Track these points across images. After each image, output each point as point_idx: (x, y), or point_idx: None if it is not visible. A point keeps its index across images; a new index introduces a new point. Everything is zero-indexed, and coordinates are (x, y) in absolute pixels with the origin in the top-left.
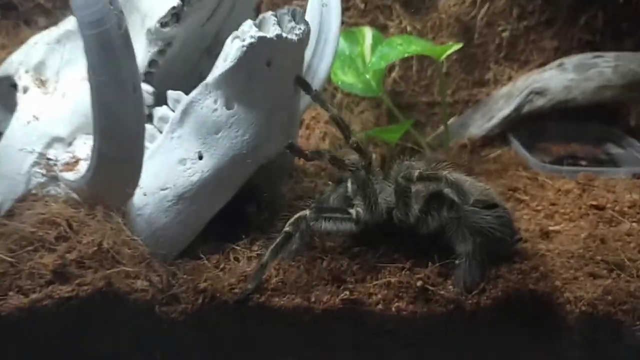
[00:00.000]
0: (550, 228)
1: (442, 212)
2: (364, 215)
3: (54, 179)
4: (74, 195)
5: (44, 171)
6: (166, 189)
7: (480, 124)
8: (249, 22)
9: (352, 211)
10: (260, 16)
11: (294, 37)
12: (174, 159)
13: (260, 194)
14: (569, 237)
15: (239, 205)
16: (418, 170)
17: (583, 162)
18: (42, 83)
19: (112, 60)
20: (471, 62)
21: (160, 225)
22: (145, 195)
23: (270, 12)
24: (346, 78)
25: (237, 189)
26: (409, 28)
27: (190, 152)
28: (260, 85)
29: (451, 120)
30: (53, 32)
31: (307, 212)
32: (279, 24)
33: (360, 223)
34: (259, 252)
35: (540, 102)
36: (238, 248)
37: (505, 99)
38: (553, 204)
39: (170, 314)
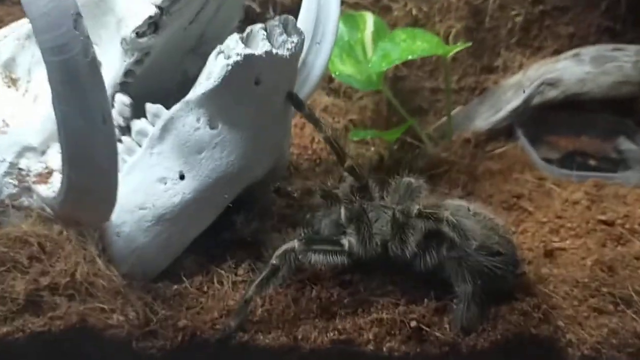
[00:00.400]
0: (555, 245)
1: (441, 251)
2: (357, 248)
3: (27, 190)
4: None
5: (15, 182)
6: (145, 208)
7: (486, 117)
8: (235, 36)
9: (345, 241)
10: (248, 29)
11: (285, 53)
12: (154, 176)
13: (249, 202)
14: (575, 259)
15: (225, 214)
16: (417, 207)
17: (592, 162)
18: (12, 82)
19: (78, 90)
20: (480, 46)
21: (139, 244)
22: (122, 212)
23: (259, 25)
24: (345, 68)
25: (222, 210)
26: (414, 11)
27: (171, 170)
28: (247, 104)
29: (455, 110)
30: (24, 26)
31: (295, 243)
32: (269, 37)
33: (352, 255)
34: (244, 278)
35: (552, 93)
36: (222, 272)
37: (515, 89)
38: (559, 217)
39: (148, 349)
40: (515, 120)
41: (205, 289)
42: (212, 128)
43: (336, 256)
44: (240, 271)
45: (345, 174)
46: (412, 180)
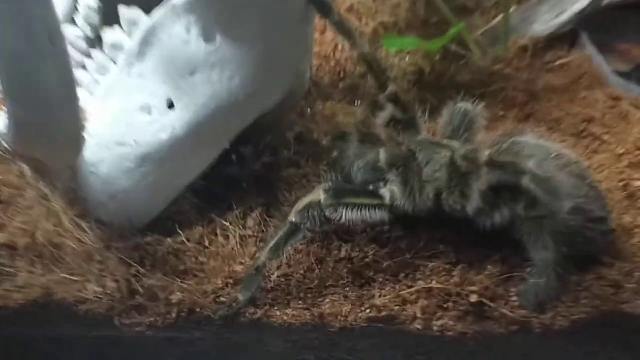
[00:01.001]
0: (637, 184)
1: (517, 208)
2: (402, 201)
3: None
4: None
5: None
6: (125, 144)
7: (547, 19)
8: None
9: (386, 193)
10: None
11: None
12: (135, 104)
13: (260, 129)
14: None
15: (231, 146)
16: (488, 153)
17: None
18: None
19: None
20: None
21: (120, 189)
22: (99, 147)
23: None
24: None
25: (225, 147)
26: None
27: (156, 97)
28: (252, 9)
29: (510, 10)
30: None
31: (321, 195)
32: None
33: (395, 210)
34: (254, 231)
35: None
36: (228, 224)
37: None
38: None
39: (134, 327)
40: (581, 25)
41: (206, 244)
42: (207, 41)
43: (374, 211)
44: (250, 222)
45: (385, 101)
46: (469, 107)
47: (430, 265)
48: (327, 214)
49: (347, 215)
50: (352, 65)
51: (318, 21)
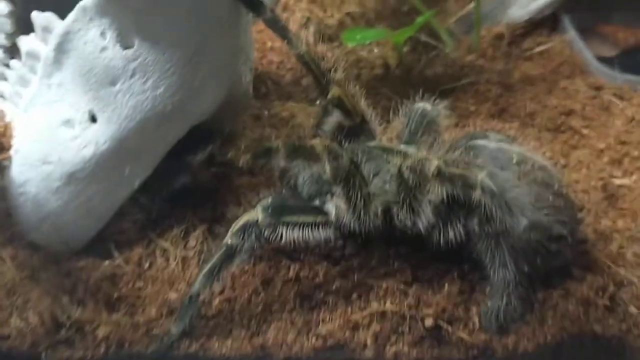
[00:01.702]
0: (617, 182)
1: (471, 223)
2: (348, 218)
3: None
4: None
5: None
6: (50, 162)
7: (524, 3)
8: None
9: (330, 207)
10: None
11: None
12: (57, 117)
13: (208, 132)
14: None
15: (175, 151)
16: (436, 164)
17: None
18: None
19: None
20: None
21: (50, 209)
22: (25, 166)
23: None
24: None
25: (159, 159)
26: None
27: (77, 109)
28: (172, 9)
29: None
30: None
31: (259, 213)
32: None
33: (341, 227)
34: (197, 250)
35: None
36: (168, 243)
37: None
38: (622, 142)
39: None
40: (562, 7)
41: (145, 266)
42: (124, 47)
43: (318, 230)
44: (192, 241)
45: (329, 107)
46: (428, 106)
47: (384, 284)
48: (266, 234)
49: (288, 234)
50: None
51: (280, 14)
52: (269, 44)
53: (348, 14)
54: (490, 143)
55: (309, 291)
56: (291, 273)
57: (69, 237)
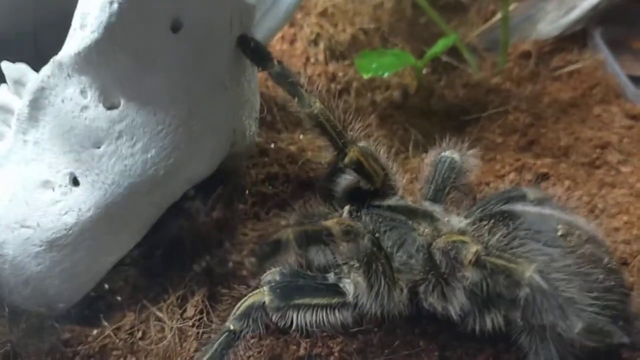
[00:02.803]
0: None
1: (513, 314)
2: (367, 299)
3: None
4: None
5: None
6: (29, 227)
7: (553, 18)
8: None
9: (347, 285)
10: None
11: None
12: (34, 178)
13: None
14: None
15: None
16: (474, 250)
17: None
18: None
19: None
20: None
21: (32, 274)
22: (1, 227)
23: None
24: None
25: (152, 224)
26: None
27: (56, 171)
28: (163, 65)
29: (510, 7)
30: None
31: (265, 295)
32: None
33: (361, 308)
34: (195, 320)
35: None
36: (162, 312)
37: None
38: None
39: None
40: (594, 22)
41: (138, 336)
42: (109, 107)
43: (334, 313)
44: (190, 309)
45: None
46: (456, 156)
47: None
48: (274, 319)
49: (299, 319)
50: (326, 82)
51: (287, 29)
52: None
53: (361, 28)
54: (529, 208)
55: None
56: (302, 351)
57: (53, 301)
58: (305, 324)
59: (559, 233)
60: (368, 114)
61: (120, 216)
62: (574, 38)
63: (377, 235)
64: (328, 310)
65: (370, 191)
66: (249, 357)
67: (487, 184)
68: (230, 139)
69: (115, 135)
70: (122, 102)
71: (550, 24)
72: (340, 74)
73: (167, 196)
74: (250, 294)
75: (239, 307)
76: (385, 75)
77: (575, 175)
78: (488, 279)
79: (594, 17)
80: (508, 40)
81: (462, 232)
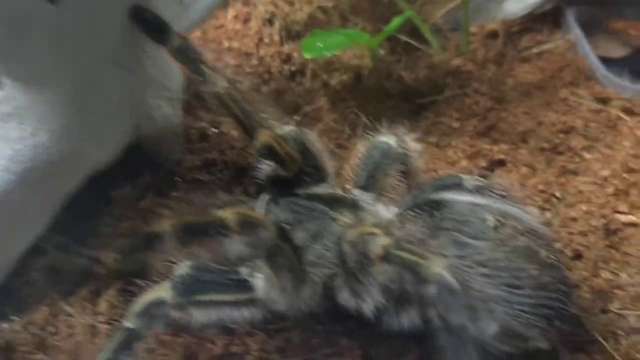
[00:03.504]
0: (622, 219)
1: (428, 312)
2: (276, 296)
3: None
4: None
5: None
6: None
7: None
8: None
9: (258, 281)
10: None
11: None
12: None
13: (138, 162)
14: None
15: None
16: (382, 243)
17: None
18: None
19: None
20: None
21: None
22: None
23: None
24: None
25: (56, 210)
26: None
27: None
28: (42, 40)
29: None
30: None
31: (167, 291)
32: None
33: (270, 305)
34: (108, 317)
35: None
36: (72, 307)
37: None
38: (630, 170)
39: None
40: (566, 1)
41: (50, 330)
42: None
43: (240, 310)
44: (103, 305)
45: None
46: (392, 141)
47: None
48: (176, 315)
49: (201, 316)
50: (280, 63)
51: (241, 8)
52: (226, 43)
53: (320, 7)
54: (461, 197)
55: None
56: (218, 349)
57: None
58: (208, 321)
59: (490, 224)
60: (320, 96)
61: (18, 203)
62: (545, 18)
63: (287, 225)
64: (235, 307)
65: (291, 179)
66: (163, 355)
67: (436, 171)
68: (134, 120)
69: (2, 119)
70: (7, 82)
71: (518, 2)
72: (296, 54)
73: (67, 182)
74: (152, 289)
75: (137, 304)
76: (329, 55)
77: (533, 162)
78: (396, 275)
79: None
80: (469, 19)
81: (377, 224)
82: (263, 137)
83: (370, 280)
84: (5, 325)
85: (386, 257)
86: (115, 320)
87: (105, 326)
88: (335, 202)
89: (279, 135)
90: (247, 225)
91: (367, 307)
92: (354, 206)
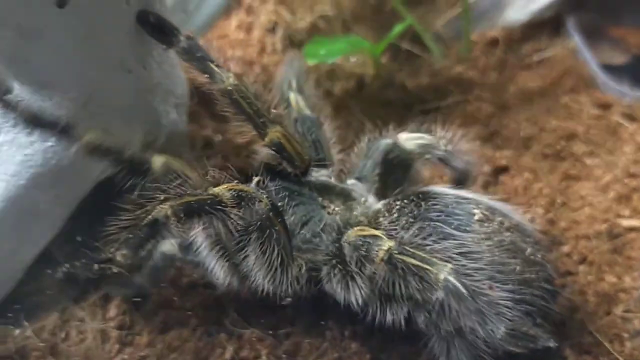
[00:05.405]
0: (625, 224)
1: (421, 313)
2: (261, 274)
3: None
4: None
5: None
6: None
7: (523, 3)
8: None
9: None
10: None
11: None
12: None
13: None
14: None
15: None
16: (386, 247)
17: None
18: None
19: None
20: None
21: None
22: None
23: None
24: None
25: (68, 214)
26: None
27: None
28: (51, 45)
29: None
30: None
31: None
32: None
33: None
34: (119, 321)
35: None
36: (82, 315)
37: None
38: (631, 175)
39: None
40: (567, 7)
41: (60, 337)
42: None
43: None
44: (112, 309)
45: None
46: (388, 141)
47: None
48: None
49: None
50: None
51: (244, 17)
52: (230, 52)
53: (322, 16)
54: (449, 189)
55: None
56: (228, 354)
57: None
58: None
59: (475, 217)
60: (323, 104)
61: (28, 209)
62: (546, 25)
63: (279, 205)
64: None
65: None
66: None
67: (441, 177)
68: (141, 125)
69: (11, 123)
70: (16, 86)
71: (519, 9)
72: None
73: (77, 186)
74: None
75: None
76: (331, 61)
77: (536, 168)
78: (400, 278)
79: (568, 3)
80: (469, 27)
81: (376, 219)
82: (273, 133)
83: (366, 279)
84: (17, 331)
85: (389, 261)
86: (126, 325)
87: (116, 331)
88: (326, 190)
89: (289, 132)
90: (241, 198)
91: (356, 300)
92: (344, 195)
